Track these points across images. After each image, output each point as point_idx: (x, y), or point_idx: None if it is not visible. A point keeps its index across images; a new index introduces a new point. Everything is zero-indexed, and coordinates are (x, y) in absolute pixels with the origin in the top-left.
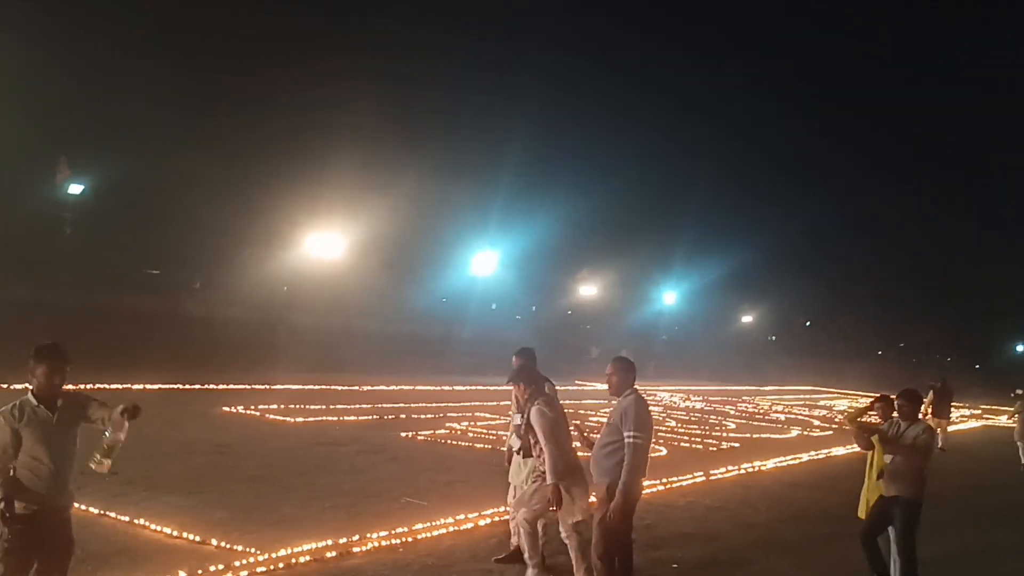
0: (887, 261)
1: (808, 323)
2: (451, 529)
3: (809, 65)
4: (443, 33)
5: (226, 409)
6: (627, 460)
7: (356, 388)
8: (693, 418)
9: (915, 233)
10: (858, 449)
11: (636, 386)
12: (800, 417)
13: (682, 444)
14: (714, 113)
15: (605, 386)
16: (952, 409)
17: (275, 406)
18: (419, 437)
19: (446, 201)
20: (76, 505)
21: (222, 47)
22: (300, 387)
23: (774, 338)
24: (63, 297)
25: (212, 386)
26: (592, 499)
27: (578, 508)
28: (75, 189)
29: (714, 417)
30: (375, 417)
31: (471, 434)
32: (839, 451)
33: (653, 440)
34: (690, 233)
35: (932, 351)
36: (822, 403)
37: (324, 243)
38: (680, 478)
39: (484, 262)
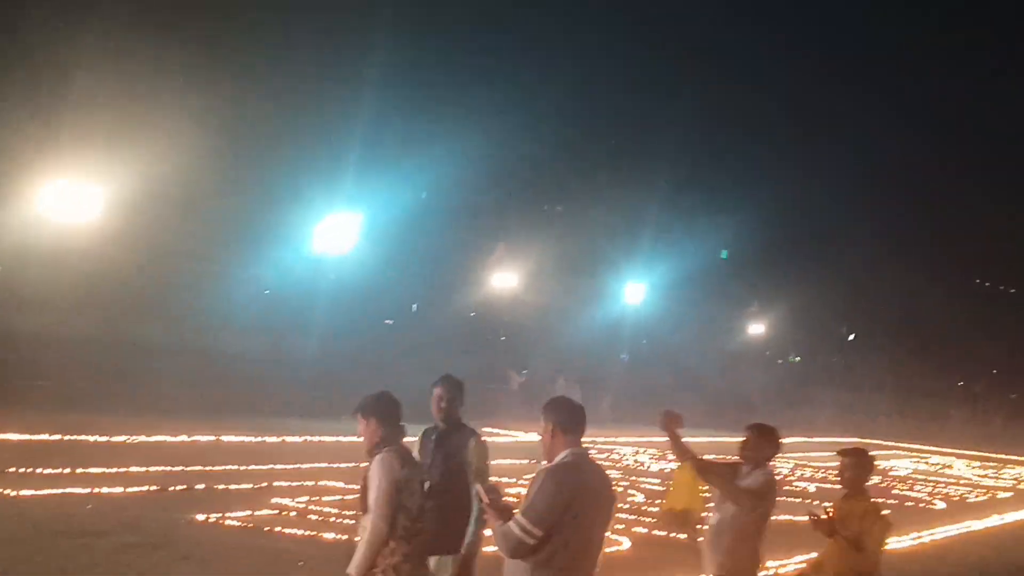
0: (974, 241)
1: (852, 336)
2: None
3: None
4: None
5: None
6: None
7: (122, 440)
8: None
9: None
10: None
11: (583, 443)
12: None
13: (654, 532)
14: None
15: (532, 436)
16: None
17: None
18: (228, 521)
19: (275, 136)
20: None
21: None
22: (27, 437)
23: (798, 359)
24: None
25: None
26: None
27: None
28: None
29: (703, 488)
30: (154, 488)
31: (314, 516)
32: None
33: (609, 527)
34: (667, 190)
35: None
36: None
37: (68, 198)
38: None
39: (336, 233)
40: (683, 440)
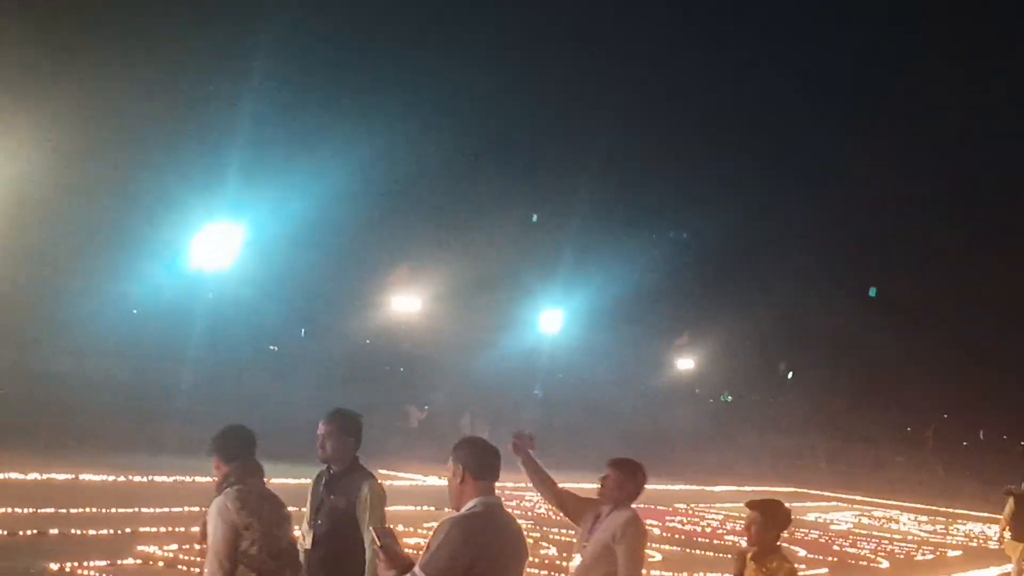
0: (924, 272)
1: (791, 373)
2: None
3: None
4: None
5: None
6: None
7: None
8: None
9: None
10: None
11: (495, 490)
12: None
13: None
14: None
15: (434, 480)
16: None
17: None
18: (86, 572)
19: (147, 135)
20: None
21: None
22: None
23: (730, 398)
24: None
25: None
26: None
27: None
28: None
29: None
30: (2, 533)
31: (183, 567)
32: None
33: None
34: (588, 209)
35: (999, 429)
36: (811, 518)
37: None
38: None
39: (215, 247)
40: (538, 463)
